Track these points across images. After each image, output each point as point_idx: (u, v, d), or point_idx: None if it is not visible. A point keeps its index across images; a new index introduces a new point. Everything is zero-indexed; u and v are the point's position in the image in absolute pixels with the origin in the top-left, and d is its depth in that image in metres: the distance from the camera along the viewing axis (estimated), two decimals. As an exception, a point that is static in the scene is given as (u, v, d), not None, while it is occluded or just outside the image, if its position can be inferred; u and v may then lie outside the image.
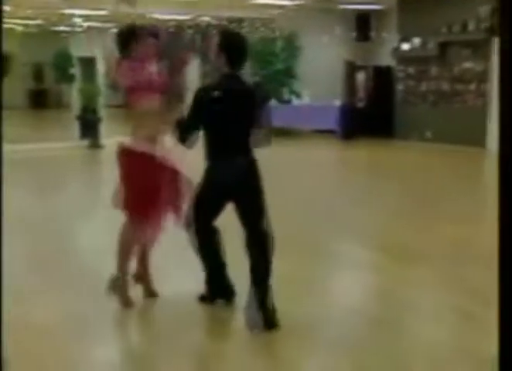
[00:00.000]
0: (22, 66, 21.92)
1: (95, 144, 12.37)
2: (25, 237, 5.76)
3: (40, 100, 23.91)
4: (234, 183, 3.57)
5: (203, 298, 3.91)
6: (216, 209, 3.70)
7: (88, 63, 21.41)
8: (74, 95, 21.19)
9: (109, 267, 3.98)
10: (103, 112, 13.48)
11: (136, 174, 3.74)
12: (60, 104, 23.56)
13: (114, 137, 12.82)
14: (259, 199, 3.60)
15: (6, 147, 12.19)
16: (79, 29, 19.83)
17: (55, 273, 4.66)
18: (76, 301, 4.05)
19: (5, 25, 18.76)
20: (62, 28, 19.76)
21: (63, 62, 22.73)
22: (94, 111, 12.84)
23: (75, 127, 13.29)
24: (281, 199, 7.67)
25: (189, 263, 4.10)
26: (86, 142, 12.49)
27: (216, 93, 3.53)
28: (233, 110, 3.56)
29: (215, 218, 3.74)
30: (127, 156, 3.76)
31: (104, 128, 12.80)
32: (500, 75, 2.09)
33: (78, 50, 22.11)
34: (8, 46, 21.83)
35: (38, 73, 24.23)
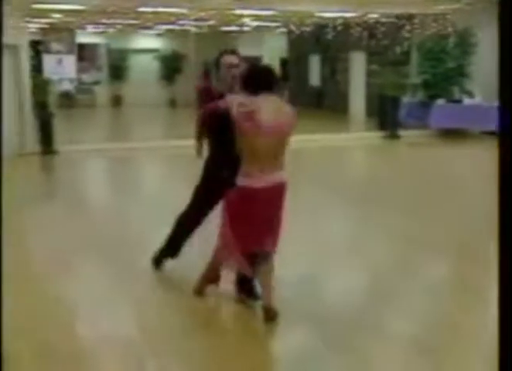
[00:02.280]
0: (194, 65, 23.29)
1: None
2: None
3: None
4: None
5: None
6: (216, 198, 4.33)
7: (254, 62, 22.28)
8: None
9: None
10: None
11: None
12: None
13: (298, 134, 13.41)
14: None
15: (175, 142, 12.86)
16: (247, 29, 20.69)
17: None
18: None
19: (180, 27, 20.15)
20: (232, 28, 20.74)
21: (228, 61, 23.84)
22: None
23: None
24: (453, 204, 7.47)
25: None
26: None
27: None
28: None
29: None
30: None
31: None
32: (500, 74, 2.11)
33: (245, 49, 23.04)
34: (182, 47, 23.43)
35: (207, 72, 25.56)
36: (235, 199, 3.90)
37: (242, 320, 4.12)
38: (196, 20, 17.30)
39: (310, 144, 12.93)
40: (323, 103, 20.56)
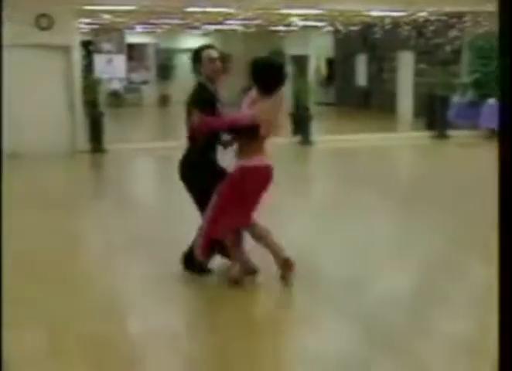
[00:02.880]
0: (242, 65, 23.40)
1: (307, 141, 12.95)
2: None
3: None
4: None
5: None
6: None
7: (301, 62, 22.23)
8: (286, 93, 22.24)
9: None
10: (314, 109, 13.97)
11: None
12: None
13: (324, 134, 13.40)
14: None
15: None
16: (294, 28, 20.69)
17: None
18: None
19: (227, 27, 20.28)
20: (279, 27, 20.78)
21: (276, 61, 23.80)
22: (306, 108, 13.39)
23: (287, 124, 13.96)
24: None
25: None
26: (298, 138, 13.10)
27: None
28: None
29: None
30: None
31: (314, 125, 13.35)
32: (500, 74, 2.15)
33: (292, 49, 23.03)
34: (229, 47, 23.53)
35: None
36: (242, 176, 4.38)
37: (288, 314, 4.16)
38: (243, 20, 17.41)
39: (358, 144, 12.89)
40: (370, 103, 20.40)
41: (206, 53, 4.54)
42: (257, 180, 4.42)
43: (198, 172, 4.54)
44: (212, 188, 4.46)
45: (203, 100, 4.44)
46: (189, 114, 4.49)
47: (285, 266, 4.49)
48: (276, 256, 4.51)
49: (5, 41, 10.87)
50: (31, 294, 4.47)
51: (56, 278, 4.85)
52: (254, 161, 4.39)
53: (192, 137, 4.54)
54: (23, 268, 5.05)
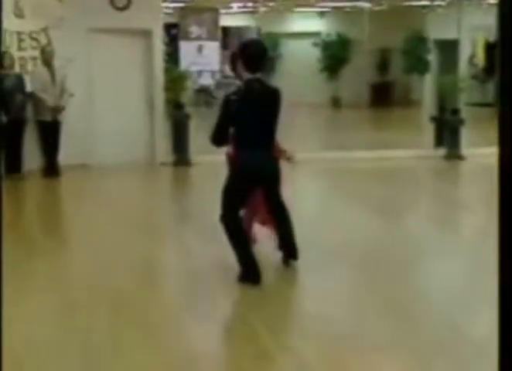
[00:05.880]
0: (367, 53, 23.38)
1: (454, 155, 12.80)
2: (353, 268, 6.51)
3: (382, 96, 24.96)
4: (265, 171, 5.88)
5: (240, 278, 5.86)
6: (246, 197, 5.95)
7: (448, 48, 21.90)
8: (427, 89, 21.96)
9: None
10: (465, 112, 13.70)
11: None
12: (408, 101, 24.30)
13: (477, 146, 13.09)
14: (279, 178, 6.06)
15: (340, 154, 13.35)
16: (441, 3, 20.45)
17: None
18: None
19: (350, 4, 20.40)
20: (420, 2, 20.59)
21: (415, 47, 23.35)
22: (455, 111, 13.21)
23: (428, 132, 13.85)
24: None
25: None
26: (442, 151, 13.00)
27: (235, 97, 5.67)
28: (256, 109, 5.68)
29: (243, 206, 6.07)
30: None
31: (466, 134, 13.12)
32: (500, 75, 2.46)
33: (437, 31, 22.70)
34: (352, 29, 23.56)
35: (383, 62, 25.34)
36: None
37: None
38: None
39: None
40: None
41: None
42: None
43: None
44: None
45: None
46: None
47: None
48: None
49: (71, 24, 11.61)
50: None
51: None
52: None
53: None
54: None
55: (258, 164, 5.78)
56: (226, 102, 5.71)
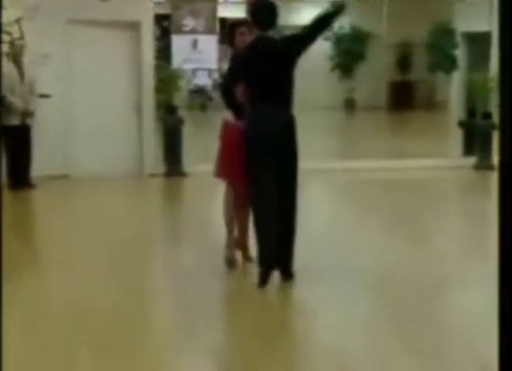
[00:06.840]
0: (386, 48, 23.19)
1: (486, 165, 12.72)
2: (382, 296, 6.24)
3: (403, 98, 24.64)
4: (277, 130, 6.14)
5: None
6: (267, 158, 6.15)
7: (479, 42, 21.64)
8: (454, 90, 21.73)
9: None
10: (498, 116, 13.55)
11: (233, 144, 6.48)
12: (432, 103, 24.14)
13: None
14: (296, 154, 6.30)
15: (355, 163, 13.30)
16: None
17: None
18: None
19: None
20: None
21: (440, 41, 23.16)
22: (486, 115, 13.07)
23: (456, 138, 13.82)
24: None
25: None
26: (472, 160, 12.86)
27: (244, 52, 6.35)
28: (267, 65, 6.15)
29: (269, 169, 6.17)
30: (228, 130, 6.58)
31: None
32: (500, 80, 2.89)
33: (466, 23, 22.40)
34: (369, 21, 23.38)
35: (403, 59, 25.18)
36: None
37: None
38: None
39: None
40: None
41: None
42: None
43: None
44: None
45: None
46: None
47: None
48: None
49: (51, 15, 11.36)
50: None
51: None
52: None
53: None
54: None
55: (270, 121, 6.15)
56: (236, 57, 6.54)
